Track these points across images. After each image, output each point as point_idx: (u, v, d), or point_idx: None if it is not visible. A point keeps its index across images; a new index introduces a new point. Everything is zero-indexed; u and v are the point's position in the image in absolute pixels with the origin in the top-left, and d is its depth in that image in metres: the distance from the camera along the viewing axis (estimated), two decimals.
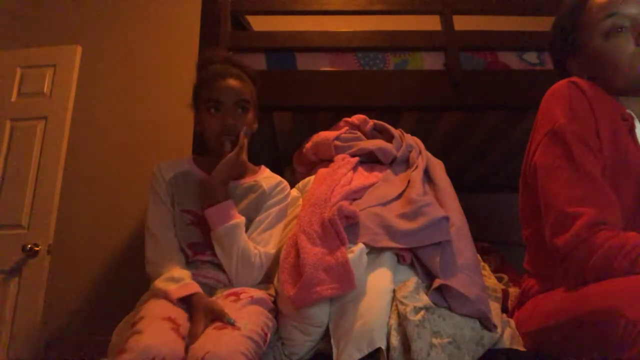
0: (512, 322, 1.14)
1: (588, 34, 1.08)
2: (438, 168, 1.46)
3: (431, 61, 1.88)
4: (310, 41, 1.88)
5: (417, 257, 1.19)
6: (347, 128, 1.64)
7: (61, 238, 2.43)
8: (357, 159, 1.51)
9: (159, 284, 1.10)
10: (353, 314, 1.06)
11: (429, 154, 1.53)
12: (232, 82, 1.28)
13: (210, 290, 1.17)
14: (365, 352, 0.99)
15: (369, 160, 1.55)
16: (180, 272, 1.13)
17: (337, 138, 1.57)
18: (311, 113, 1.89)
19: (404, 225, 1.20)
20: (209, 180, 1.21)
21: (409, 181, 1.38)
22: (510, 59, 1.90)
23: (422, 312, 1.02)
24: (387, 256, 1.18)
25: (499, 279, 1.56)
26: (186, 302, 1.07)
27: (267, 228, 1.26)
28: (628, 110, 1.04)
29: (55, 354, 2.21)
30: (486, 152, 2.35)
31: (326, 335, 1.10)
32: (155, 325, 0.95)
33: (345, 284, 1.05)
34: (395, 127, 1.65)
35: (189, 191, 1.27)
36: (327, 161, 1.56)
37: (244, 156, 1.24)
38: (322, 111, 1.86)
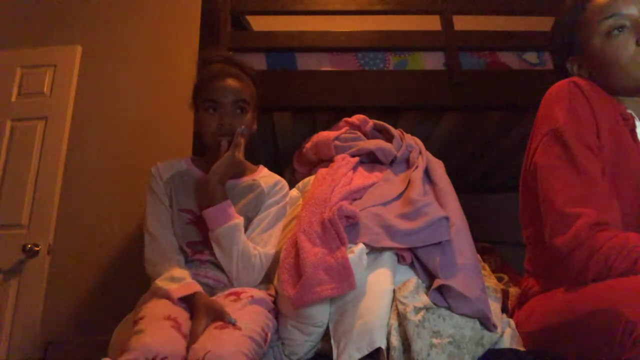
0: (512, 322, 1.14)
1: (588, 34, 1.08)
2: (438, 168, 1.46)
3: (431, 61, 1.88)
4: (310, 41, 1.88)
5: (417, 257, 1.19)
6: (347, 128, 1.64)
7: (61, 238, 2.43)
8: (357, 159, 1.51)
9: (160, 283, 1.10)
10: (353, 314, 1.06)
11: (429, 154, 1.53)
12: (231, 82, 1.27)
13: (211, 291, 1.17)
14: (365, 352, 0.99)
15: (369, 160, 1.55)
16: (181, 272, 1.13)
17: (337, 138, 1.58)
18: (311, 113, 1.88)
19: (404, 225, 1.20)
20: (206, 180, 1.21)
21: (409, 181, 1.38)
22: (510, 59, 1.90)
23: (422, 312, 1.03)
24: (387, 256, 1.18)
25: (499, 279, 1.56)
26: (187, 302, 1.07)
27: (266, 228, 1.26)
28: (629, 110, 1.04)
29: (55, 354, 2.21)
30: (486, 152, 2.35)
31: (326, 335, 1.10)
32: (157, 324, 0.95)
33: (345, 284, 1.05)
34: (395, 127, 1.65)
35: (187, 191, 1.27)
36: (327, 161, 1.56)
37: (241, 155, 1.23)
38: (322, 111, 1.86)
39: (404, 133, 1.62)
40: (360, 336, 1.01)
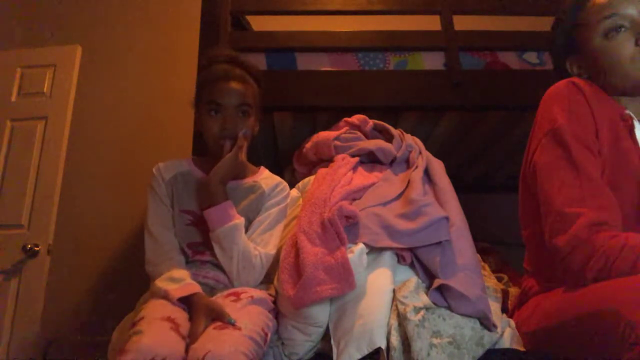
0: (512, 322, 1.14)
1: (588, 34, 1.08)
2: (438, 168, 1.46)
3: (431, 61, 1.88)
4: (310, 41, 1.88)
5: (417, 257, 1.19)
6: (347, 128, 1.64)
7: (61, 238, 2.43)
8: (357, 159, 1.51)
9: (159, 283, 1.10)
10: (353, 314, 1.06)
11: (429, 154, 1.53)
12: (235, 85, 1.26)
13: (211, 291, 1.17)
14: (365, 352, 0.99)
15: (369, 160, 1.55)
16: (181, 272, 1.13)
17: (337, 138, 1.58)
18: (311, 113, 1.89)
19: (404, 225, 1.20)
20: (207, 180, 1.20)
21: (409, 181, 1.38)
22: (510, 59, 1.90)
23: (422, 312, 1.03)
24: (387, 256, 1.18)
25: (499, 279, 1.56)
26: (186, 302, 1.07)
27: (267, 229, 1.26)
28: (627, 111, 1.04)
29: (55, 354, 2.21)
30: (486, 152, 2.35)
31: (326, 335, 1.10)
32: (155, 325, 0.95)
33: (345, 284, 1.05)
34: (395, 127, 1.65)
35: (188, 191, 1.27)
36: (327, 161, 1.56)
37: (243, 157, 1.23)
38: (322, 111, 1.86)
39: (404, 133, 1.62)
40: (360, 336, 1.01)
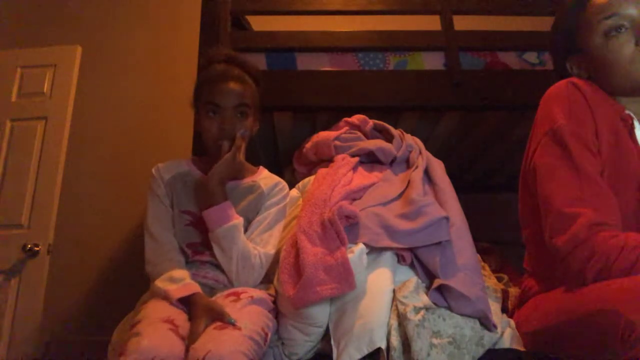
0: (512, 322, 1.14)
1: (588, 34, 1.08)
2: (438, 168, 1.46)
3: (431, 61, 1.88)
4: (310, 41, 1.88)
5: (417, 257, 1.19)
6: (347, 128, 1.64)
7: (61, 238, 2.43)
8: (357, 159, 1.51)
9: (159, 283, 1.10)
10: (353, 314, 1.06)
11: (429, 154, 1.53)
12: (233, 86, 1.25)
13: (210, 291, 1.17)
14: (365, 352, 0.99)
15: (369, 160, 1.55)
16: (180, 273, 1.13)
17: (337, 138, 1.58)
18: (311, 113, 1.89)
19: (404, 225, 1.20)
20: (206, 181, 1.20)
21: (409, 181, 1.38)
22: (510, 59, 1.90)
23: (422, 312, 1.03)
24: (387, 256, 1.18)
25: (499, 279, 1.56)
26: (186, 302, 1.07)
27: (266, 229, 1.26)
28: (627, 111, 1.04)
29: (55, 354, 2.21)
30: (486, 152, 2.35)
31: (326, 335, 1.10)
32: (154, 327, 0.95)
33: (345, 284, 1.05)
34: (395, 127, 1.65)
35: (187, 192, 1.27)
36: (327, 161, 1.56)
37: (241, 157, 1.23)
38: (322, 111, 1.86)
39: (404, 133, 1.62)
40: (360, 336, 1.01)
